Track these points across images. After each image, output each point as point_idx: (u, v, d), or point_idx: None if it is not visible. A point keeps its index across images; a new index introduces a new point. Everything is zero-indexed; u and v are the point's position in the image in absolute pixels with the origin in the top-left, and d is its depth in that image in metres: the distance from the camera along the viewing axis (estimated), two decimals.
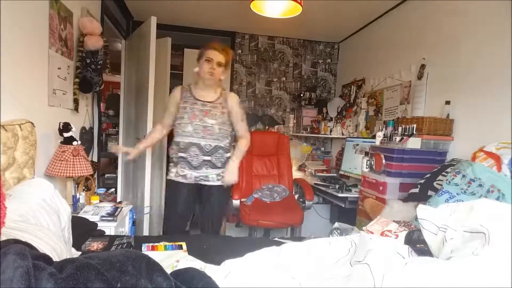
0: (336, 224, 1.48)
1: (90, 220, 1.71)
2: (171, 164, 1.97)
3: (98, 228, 1.69)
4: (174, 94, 1.98)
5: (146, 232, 2.69)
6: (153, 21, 2.57)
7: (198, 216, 2.14)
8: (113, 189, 2.82)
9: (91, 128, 2.60)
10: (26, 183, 1.33)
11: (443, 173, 1.80)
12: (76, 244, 1.37)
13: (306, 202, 2.68)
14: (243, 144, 1.98)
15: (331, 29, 3.55)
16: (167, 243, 1.45)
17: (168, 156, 2.11)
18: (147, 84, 2.58)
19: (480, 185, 1.48)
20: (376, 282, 0.76)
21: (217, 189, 1.93)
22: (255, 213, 2.50)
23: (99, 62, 2.21)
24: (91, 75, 2.17)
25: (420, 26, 2.50)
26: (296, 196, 2.90)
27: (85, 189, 2.12)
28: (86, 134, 2.42)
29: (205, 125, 1.85)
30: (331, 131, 3.48)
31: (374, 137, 2.50)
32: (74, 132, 1.87)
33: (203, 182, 1.92)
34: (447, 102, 2.12)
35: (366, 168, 2.29)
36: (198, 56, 1.95)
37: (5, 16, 1.36)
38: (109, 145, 3.30)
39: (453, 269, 0.78)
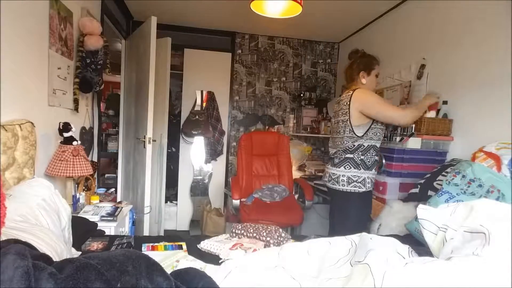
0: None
1: (90, 220, 1.71)
2: (363, 171, 1.85)
3: (98, 228, 1.68)
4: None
5: (146, 232, 2.69)
6: (153, 21, 2.57)
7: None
8: (113, 189, 2.82)
9: (91, 128, 2.60)
10: (26, 183, 1.33)
11: (443, 173, 1.80)
12: (76, 244, 1.37)
13: (306, 202, 2.68)
14: None
15: (331, 29, 3.55)
16: (167, 243, 1.45)
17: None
18: (147, 84, 2.58)
19: (480, 186, 1.48)
20: (376, 282, 0.76)
21: None
22: (255, 213, 2.50)
23: (99, 62, 2.21)
24: (91, 75, 2.17)
25: (420, 26, 2.50)
26: (296, 196, 2.91)
27: (85, 189, 2.12)
28: (86, 134, 2.42)
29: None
30: (331, 131, 3.47)
31: None
32: (74, 132, 1.86)
33: None
34: (444, 102, 2.12)
35: None
36: (367, 66, 1.93)
37: (5, 16, 1.36)
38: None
39: (453, 269, 0.78)
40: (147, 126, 2.59)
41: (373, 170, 1.89)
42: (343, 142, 1.89)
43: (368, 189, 1.87)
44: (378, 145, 1.90)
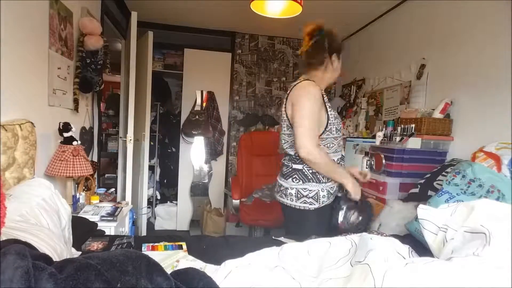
0: None
1: (90, 220, 1.71)
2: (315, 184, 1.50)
3: (98, 228, 1.68)
4: (319, 96, 1.49)
5: (145, 232, 2.69)
6: (134, 16, 2.60)
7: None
8: (113, 189, 2.82)
9: (91, 128, 2.60)
10: (26, 183, 1.33)
11: (443, 173, 1.80)
12: (76, 244, 1.37)
13: None
14: None
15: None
16: (167, 243, 1.45)
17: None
18: (128, 82, 2.55)
19: (480, 186, 1.48)
20: (377, 283, 0.76)
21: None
22: (255, 213, 2.51)
23: (99, 62, 2.21)
24: (91, 75, 2.17)
25: (420, 26, 2.50)
26: None
27: (85, 189, 2.12)
28: (86, 134, 2.42)
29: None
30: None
31: (374, 137, 2.50)
32: (74, 132, 1.86)
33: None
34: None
35: (366, 168, 2.29)
36: (336, 49, 1.61)
37: (5, 16, 1.36)
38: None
39: (453, 269, 0.78)
40: (128, 125, 2.59)
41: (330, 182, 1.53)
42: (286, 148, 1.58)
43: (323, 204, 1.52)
44: (336, 158, 1.55)
